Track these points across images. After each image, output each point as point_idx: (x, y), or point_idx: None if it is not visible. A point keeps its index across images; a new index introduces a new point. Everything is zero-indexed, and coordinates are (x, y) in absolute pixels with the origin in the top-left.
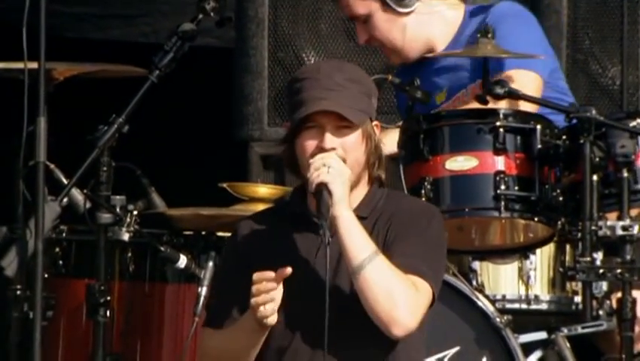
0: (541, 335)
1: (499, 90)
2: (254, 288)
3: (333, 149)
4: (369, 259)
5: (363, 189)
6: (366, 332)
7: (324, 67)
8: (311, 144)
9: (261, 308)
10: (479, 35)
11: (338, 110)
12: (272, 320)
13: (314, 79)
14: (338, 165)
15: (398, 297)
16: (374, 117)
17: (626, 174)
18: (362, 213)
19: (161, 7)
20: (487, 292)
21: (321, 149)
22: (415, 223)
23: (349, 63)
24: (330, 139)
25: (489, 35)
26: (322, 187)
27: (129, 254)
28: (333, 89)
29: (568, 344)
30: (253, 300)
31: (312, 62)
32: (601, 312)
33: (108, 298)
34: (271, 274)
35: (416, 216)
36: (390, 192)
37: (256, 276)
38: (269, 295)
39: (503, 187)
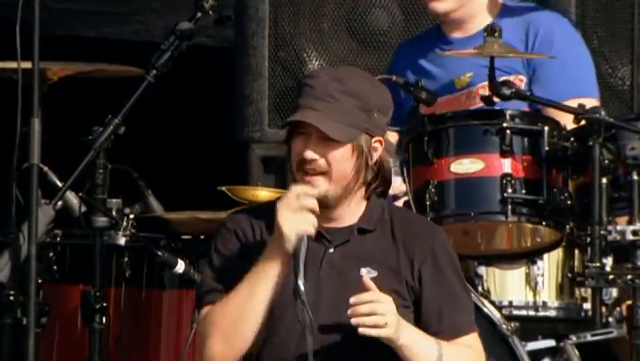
0: (549, 343)
1: (506, 91)
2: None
3: (314, 160)
4: (437, 358)
5: (360, 204)
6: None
7: (324, 75)
8: (298, 150)
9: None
10: (485, 34)
11: (316, 123)
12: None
13: (310, 86)
14: (384, 310)
15: None
16: (376, 132)
17: (636, 177)
18: (368, 227)
19: (154, 5)
20: (493, 298)
21: (302, 158)
22: (441, 264)
23: (358, 73)
24: (311, 150)
25: (496, 34)
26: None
27: (126, 259)
28: (324, 100)
29: (577, 352)
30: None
31: (314, 61)
32: (610, 319)
33: (104, 304)
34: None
35: (438, 253)
36: (389, 203)
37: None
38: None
39: (510, 190)
